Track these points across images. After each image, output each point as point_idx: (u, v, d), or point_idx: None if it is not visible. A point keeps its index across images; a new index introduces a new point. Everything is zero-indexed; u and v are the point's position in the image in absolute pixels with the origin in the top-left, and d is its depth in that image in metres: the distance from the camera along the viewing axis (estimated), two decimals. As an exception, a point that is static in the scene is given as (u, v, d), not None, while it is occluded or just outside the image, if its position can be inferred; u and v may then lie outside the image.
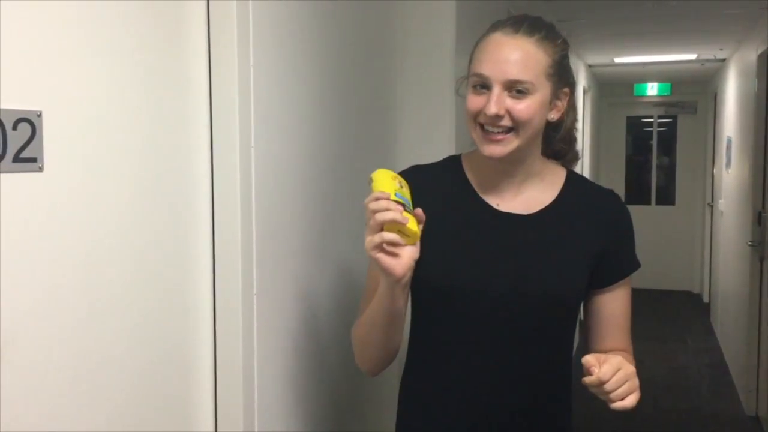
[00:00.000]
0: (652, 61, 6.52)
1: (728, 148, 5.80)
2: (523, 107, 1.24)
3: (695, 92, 8.24)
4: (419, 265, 1.25)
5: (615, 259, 1.37)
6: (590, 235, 1.34)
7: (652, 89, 8.30)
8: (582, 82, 6.36)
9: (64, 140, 1.02)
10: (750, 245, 4.47)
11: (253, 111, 1.32)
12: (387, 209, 1.17)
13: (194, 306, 1.31)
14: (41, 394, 1.00)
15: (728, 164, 5.80)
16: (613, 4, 4.25)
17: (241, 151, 1.30)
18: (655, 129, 8.85)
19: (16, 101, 0.94)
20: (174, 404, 1.27)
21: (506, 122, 1.24)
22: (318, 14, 1.61)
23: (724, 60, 6.32)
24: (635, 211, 8.00)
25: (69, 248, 1.03)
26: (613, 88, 8.44)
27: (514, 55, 1.24)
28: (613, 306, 1.40)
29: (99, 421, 1.09)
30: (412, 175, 1.36)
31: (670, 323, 7.10)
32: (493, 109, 1.23)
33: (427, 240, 1.25)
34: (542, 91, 1.26)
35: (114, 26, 1.11)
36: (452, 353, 1.32)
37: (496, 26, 1.30)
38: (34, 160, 0.97)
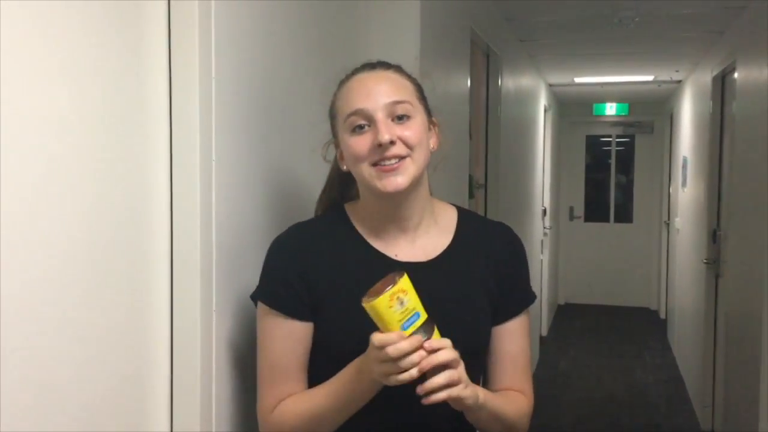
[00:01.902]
0: (610, 81, 6.66)
1: (684, 167, 5.94)
2: (411, 132, 1.21)
3: (652, 113, 8.43)
4: (320, 327, 1.23)
5: (510, 295, 1.31)
6: (487, 273, 1.30)
7: (610, 109, 8.48)
8: (543, 100, 6.45)
9: (16, 156, 0.98)
10: (705, 263, 4.57)
11: (214, 124, 1.30)
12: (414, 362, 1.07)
13: (151, 321, 1.27)
14: (-13, 415, 0.96)
15: (684, 183, 5.92)
16: (574, 25, 4.33)
17: (202, 165, 1.27)
18: (613, 148, 9.02)
19: (-34, 110, 0.91)
20: (128, 423, 1.23)
21: (400, 149, 1.20)
22: (281, 23, 1.60)
23: (680, 81, 6.48)
24: (594, 228, 8.16)
25: (18, 266, 1.00)
26: (573, 108, 8.58)
27: (384, 82, 1.24)
28: (508, 343, 1.31)
29: (49, 442, 1.05)
30: (296, 236, 1.30)
31: (627, 339, 7.20)
32: (386, 135, 1.18)
33: (326, 301, 1.22)
34: (420, 114, 1.25)
35: (71, 38, 1.08)
36: (356, 417, 1.22)
37: (349, 74, 1.29)
38: (-16, 171, 0.93)
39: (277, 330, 1.26)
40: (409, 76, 1.29)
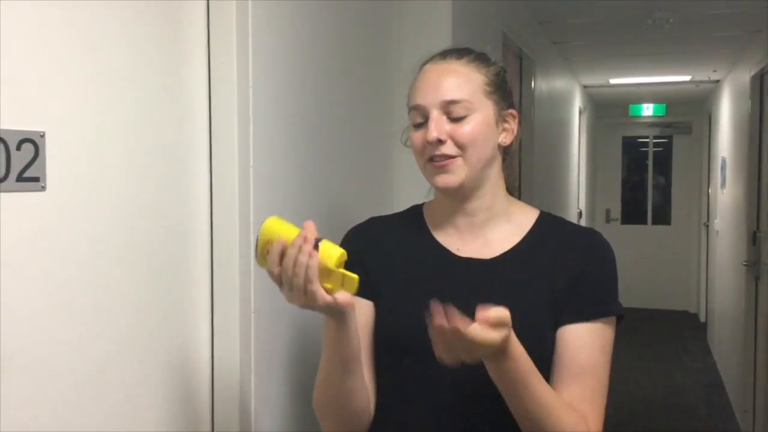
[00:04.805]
0: (646, 82, 6.58)
1: (723, 168, 5.85)
2: (464, 130, 1.18)
3: (690, 113, 8.31)
4: (378, 314, 1.22)
5: (579, 298, 1.20)
6: (555, 276, 1.21)
7: (647, 110, 8.37)
8: (577, 102, 6.41)
9: (66, 160, 1.04)
10: (745, 265, 4.49)
11: (252, 131, 1.34)
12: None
13: (192, 324, 1.32)
14: (38, 405, 1.01)
15: (723, 184, 5.83)
16: (608, 27, 4.30)
17: (240, 170, 1.32)
18: (650, 149, 8.91)
19: (20, 122, 0.96)
20: (172, 423, 1.27)
21: (450, 149, 1.18)
22: (316, 32, 1.63)
23: (718, 81, 6.38)
24: (631, 230, 7.99)
25: (69, 267, 1.05)
26: (609, 109, 8.50)
27: (446, 78, 1.20)
28: (570, 350, 1.18)
29: (97, 437, 1.10)
30: (365, 226, 1.34)
31: (666, 343, 7.10)
32: (433, 133, 1.17)
33: (384, 291, 1.23)
34: (483, 110, 1.20)
35: (117, 51, 1.13)
36: (411, 406, 1.23)
37: (425, 62, 1.27)
38: (36, 179, 0.99)
39: None
40: (482, 67, 1.23)
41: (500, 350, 1.03)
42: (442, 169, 1.20)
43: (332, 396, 1.21)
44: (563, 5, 3.81)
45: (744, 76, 4.82)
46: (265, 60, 1.39)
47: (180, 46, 1.28)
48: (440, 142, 1.18)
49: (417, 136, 1.22)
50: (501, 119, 1.24)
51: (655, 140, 8.87)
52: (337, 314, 1.10)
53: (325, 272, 1.05)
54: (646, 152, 8.94)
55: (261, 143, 1.37)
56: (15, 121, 0.96)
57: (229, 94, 1.31)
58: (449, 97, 1.19)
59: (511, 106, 1.27)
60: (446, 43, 2.16)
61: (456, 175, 1.20)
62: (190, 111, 1.30)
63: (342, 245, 1.31)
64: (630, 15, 3.93)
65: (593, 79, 6.56)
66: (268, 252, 1.06)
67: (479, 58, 1.25)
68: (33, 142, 0.98)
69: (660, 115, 8.43)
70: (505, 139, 1.26)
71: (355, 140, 1.88)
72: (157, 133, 1.23)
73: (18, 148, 0.95)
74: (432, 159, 1.20)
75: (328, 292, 1.05)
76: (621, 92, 7.44)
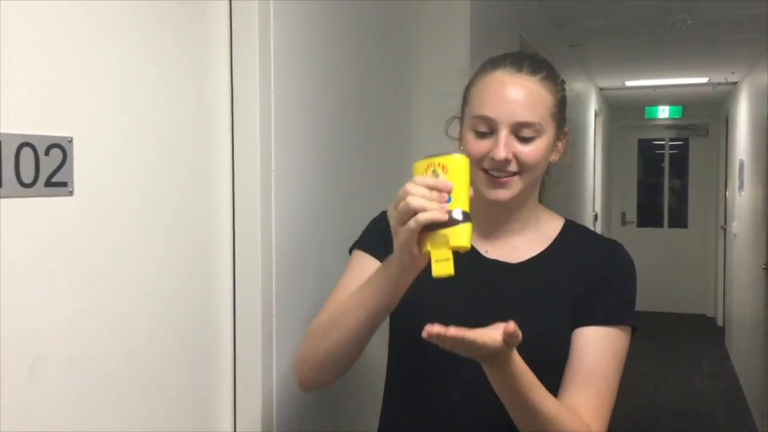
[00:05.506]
0: (663, 84, 6.55)
1: (741, 170, 5.80)
2: (530, 150, 1.18)
3: (707, 115, 8.25)
4: (400, 309, 1.19)
5: (594, 303, 1.21)
6: (576, 283, 1.23)
7: (663, 112, 8.33)
8: (593, 105, 6.38)
9: (93, 166, 1.05)
10: (764, 268, 4.45)
11: (273, 136, 1.35)
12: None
13: (214, 327, 1.33)
14: (68, 406, 1.02)
15: (741, 187, 5.79)
16: (625, 29, 4.29)
17: (262, 175, 1.33)
18: (666, 152, 8.86)
19: (48, 128, 0.98)
20: (194, 425, 1.28)
21: (513, 167, 1.18)
22: (335, 34, 1.64)
23: (735, 83, 6.34)
24: (647, 233, 7.92)
25: (95, 270, 1.06)
26: (625, 111, 8.46)
27: (521, 96, 1.18)
28: (580, 352, 1.19)
29: (122, 440, 1.11)
30: None
31: (684, 347, 7.05)
32: (502, 153, 1.16)
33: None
34: (548, 133, 1.20)
35: (141, 57, 1.15)
36: (425, 401, 1.24)
37: (494, 64, 1.22)
38: (64, 184, 1.00)
39: (357, 263, 1.27)
40: (552, 87, 1.22)
41: (498, 362, 1.04)
42: (501, 185, 1.19)
43: (338, 330, 1.17)
44: (580, 7, 3.80)
45: (762, 77, 4.78)
46: (286, 63, 1.40)
47: (203, 50, 1.29)
48: (506, 161, 1.17)
49: (478, 145, 1.19)
50: (557, 138, 1.25)
51: (671, 142, 8.82)
52: (403, 261, 1.06)
53: (435, 239, 1.01)
54: (662, 155, 8.89)
55: (282, 147, 1.38)
56: (43, 126, 0.97)
57: (252, 98, 1.32)
58: (522, 119, 1.17)
59: (565, 123, 1.27)
60: (464, 44, 2.17)
61: (510, 191, 1.19)
62: (212, 114, 1.31)
63: (373, 225, 1.31)
64: (648, 17, 3.91)
65: (609, 82, 6.54)
66: (430, 171, 1.03)
67: (550, 75, 1.23)
68: (61, 148, 0.99)
69: (676, 117, 8.38)
70: (554, 156, 1.26)
71: (375, 142, 1.88)
72: (181, 137, 1.24)
73: (46, 153, 0.97)
74: (488, 172, 1.19)
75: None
76: (637, 94, 7.40)
